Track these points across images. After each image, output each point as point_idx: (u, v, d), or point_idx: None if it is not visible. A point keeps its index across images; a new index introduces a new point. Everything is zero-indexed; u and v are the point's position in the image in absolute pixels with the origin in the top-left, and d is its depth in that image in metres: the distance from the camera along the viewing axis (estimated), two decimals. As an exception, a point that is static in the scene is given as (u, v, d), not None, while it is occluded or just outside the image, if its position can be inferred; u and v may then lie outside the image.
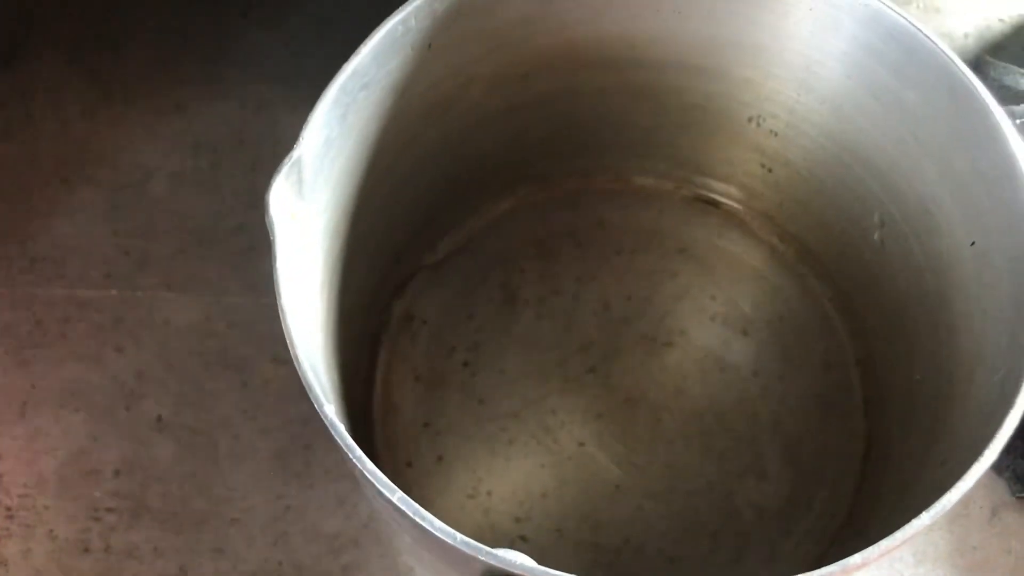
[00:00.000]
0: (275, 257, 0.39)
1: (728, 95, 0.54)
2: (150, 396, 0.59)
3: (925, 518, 0.35)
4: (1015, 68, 0.62)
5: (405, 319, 0.58)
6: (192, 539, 0.55)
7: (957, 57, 0.43)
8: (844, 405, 0.56)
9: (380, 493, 0.35)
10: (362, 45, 0.43)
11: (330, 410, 0.37)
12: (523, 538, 0.53)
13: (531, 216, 0.61)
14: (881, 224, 0.52)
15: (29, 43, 0.70)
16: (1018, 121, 0.55)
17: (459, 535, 0.34)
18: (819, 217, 0.57)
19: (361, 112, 0.46)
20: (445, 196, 0.57)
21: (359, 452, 0.36)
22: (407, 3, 0.45)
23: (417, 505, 0.35)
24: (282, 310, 0.39)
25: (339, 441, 0.36)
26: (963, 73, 0.43)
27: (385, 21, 0.44)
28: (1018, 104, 0.57)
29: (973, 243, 0.45)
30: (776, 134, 0.55)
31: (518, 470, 0.55)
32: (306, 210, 0.43)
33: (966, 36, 0.69)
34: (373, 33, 0.44)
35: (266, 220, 0.39)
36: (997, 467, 0.55)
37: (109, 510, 0.56)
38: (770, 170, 0.58)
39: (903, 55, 0.45)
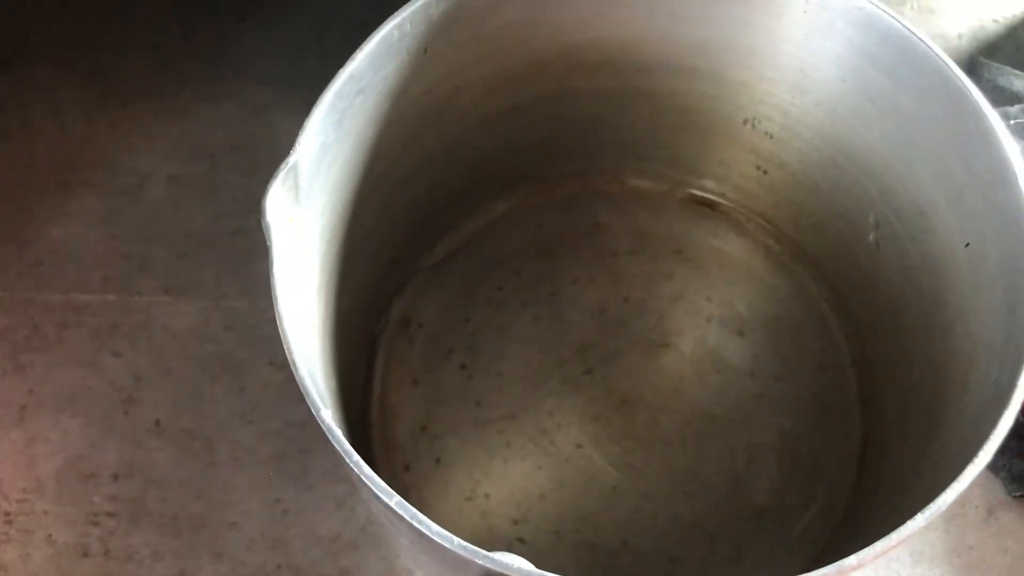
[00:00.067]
0: (272, 262, 0.39)
1: (723, 97, 0.54)
2: (148, 400, 0.59)
3: (920, 519, 0.35)
4: (1009, 69, 0.63)
5: (402, 322, 0.58)
6: (191, 543, 0.55)
7: (951, 60, 0.44)
8: (840, 405, 0.56)
9: (377, 497, 0.35)
10: (358, 50, 0.44)
11: (327, 415, 0.37)
12: (521, 540, 0.53)
13: (528, 219, 0.61)
14: (876, 225, 0.52)
15: (27, 47, 0.70)
16: (1012, 122, 0.55)
17: (456, 539, 0.34)
18: (814, 218, 0.57)
19: (357, 117, 0.46)
20: (442, 199, 0.58)
21: (356, 457, 0.36)
22: (402, 8, 0.45)
23: (414, 509, 0.35)
24: (279, 315, 0.39)
25: (336, 446, 0.36)
26: (957, 76, 0.43)
27: (380, 26, 0.44)
28: (1012, 105, 0.58)
29: (968, 245, 0.45)
30: (771, 136, 0.55)
31: (516, 472, 0.55)
32: (303, 215, 0.43)
33: (960, 37, 0.69)
34: (368, 38, 0.44)
35: (263, 225, 0.39)
36: (993, 467, 0.55)
37: (108, 514, 0.56)
38: (765, 172, 0.58)
39: (897, 58, 0.45)
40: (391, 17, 0.45)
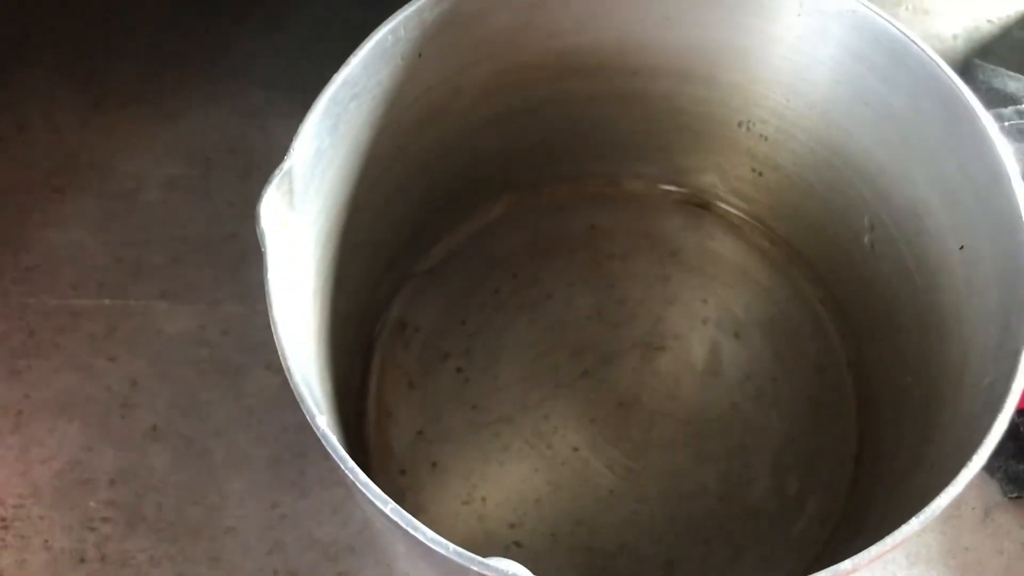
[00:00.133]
0: (266, 268, 0.39)
1: (718, 100, 0.54)
2: (144, 405, 0.59)
3: (915, 523, 0.35)
4: (1003, 71, 0.63)
5: (398, 326, 0.58)
6: (187, 548, 0.55)
7: (944, 62, 0.44)
8: (837, 407, 0.56)
9: (373, 504, 0.35)
10: (352, 56, 0.44)
11: (322, 421, 0.37)
12: (518, 544, 0.54)
13: (523, 222, 0.61)
14: (871, 227, 0.52)
15: (22, 50, 0.70)
16: (1007, 123, 0.55)
17: (452, 545, 0.34)
18: (809, 220, 0.57)
19: (352, 122, 0.46)
20: (437, 203, 0.58)
21: (352, 464, 0.36)
22: (396, 13, 0.45)
23: (410, 516, 0.35)
24: (274, 322, 0.39)
25: (332, 453, 0.36)
26: (951, 79, 0.43)
27: (374, 31, 0.44)
28: (1006, 107, 0.58)
29: (962, 247, 0.45)
30: (766, 138, 0.55)
31: (512, 476, 0.55)
32: (297, 220, 0.43)
33: (955, 37, 0.69)
34: (363, 43, 0.44)
35: (257, 232, 0.39)
36: (989, 468, 0.55)
37: (104, 520, 0.56)
38: (760, 174, 0.58)
39: (891, 61, 0.46)
40: (385, 22, 0.45)
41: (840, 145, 0.52)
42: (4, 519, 0.56)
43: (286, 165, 0.41)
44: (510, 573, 0.34)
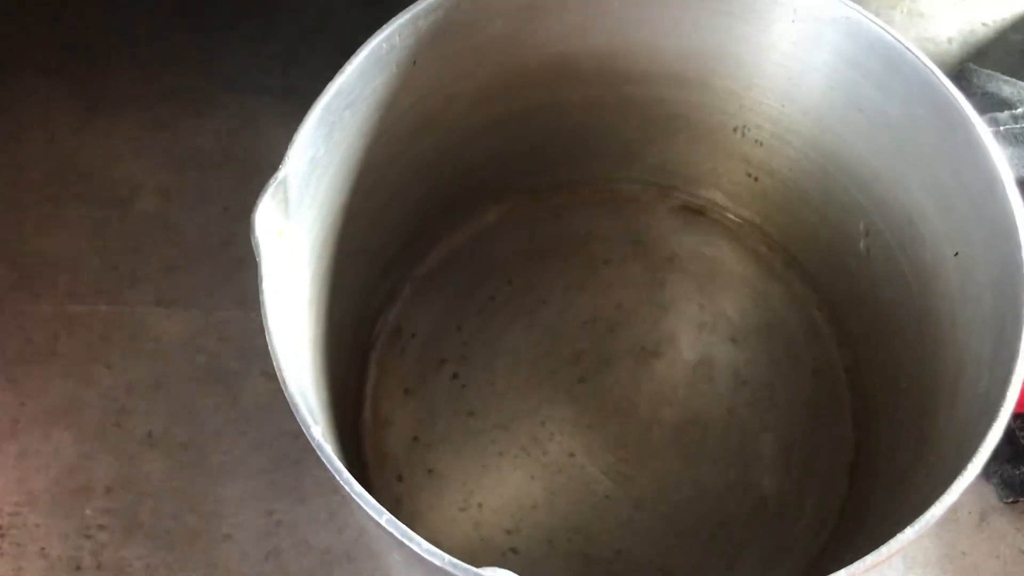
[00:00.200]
0: (261, 278, 0.39)
1: (713, 106, 0.54)
2: (140, 412, 0.59)
3: (910, 532, 0.35)
4: (998, 75, 0.63)
5: (394, 332, 0.58)
6: (184, 555, 0.55)
7: (938, 69, 0.44)
8: (832, 412, 0.56)
9: (368, 515, 0.35)
10: (346, 64, 0.44)
11: (317, 432, 0.37)
12: (514, 550, 0.53)
13: (518, 228, 0.61)
14: (866, 233, 0.52)
15: (15, 59, 0.70)
16: (1002, 128, 0.55)
17: (447, 556, 0.34)
18: (805, 226, 0.57)
19: (347, 130, 0.46)
20: (432, 209, 0.58)
21: (347, 475, 0.36)
22: (391, 21, 0.45)
23: (404, 527, 0.35)
24: (268, 332, 0.39)
25: (327, 464, 0.36)
26: (944, 85, 0.43)
27: (369, 40, 0.44)
28: (1001, 111, 0.58)
29: (957, 254, 0.45)
30: (761, 144, 0.55)
31: (508, 482, 0.55)
32: (293, 229, 0.43)
33: (950, 41, 0.70)
34: (357, 52, 0.44)
35: (252, 241, 0.39)
36: (985, 473, 0.55)
37: (101, 527, 0.56)
38: (756, 179, 0.58)
39: (885, 68, 0.46)
40: (380, 30, 0.45)
41: (835, 151, 0.52)
42: (1, 527, 0.56)
43: (281, 174, 0.41)
44: (505, 583, 0.34)
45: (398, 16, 0.45)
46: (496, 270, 0.60)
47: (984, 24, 0.70)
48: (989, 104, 0.61)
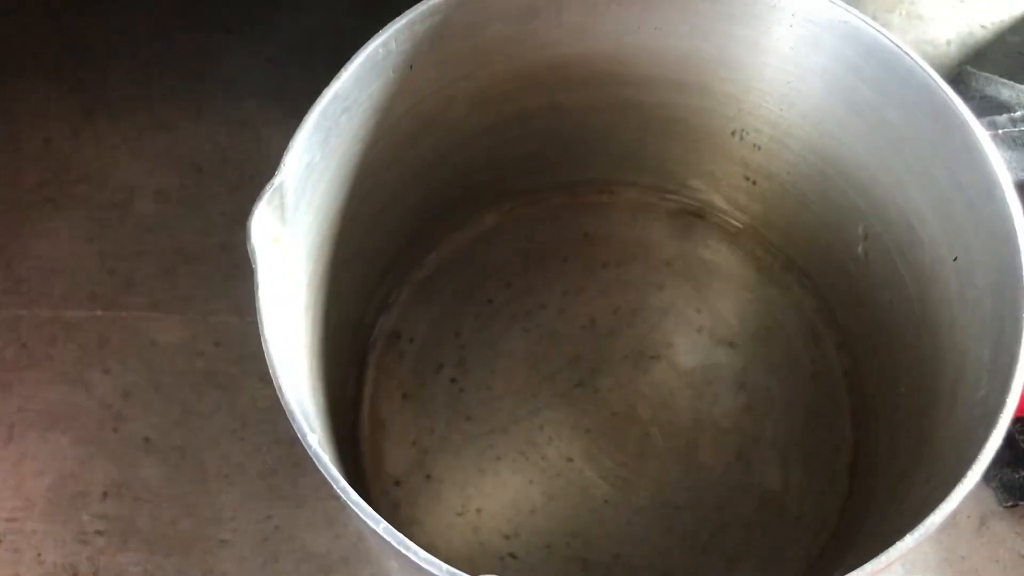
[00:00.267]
0: (257, 285, 0.39)
1: (711, 109, 0.54)
2: (137, 417, 0.59)
3: (910, 540, 0.35)
4: (996, 78, 0.63)
5: (392, 337, 0.58)
6: (182, 561, 0.55)
7: (937, 73, 0.43)
8: (831, 417, 0.56)
9: (365, 523, 0.35)
10: (343, 69, 0.43)
11: (314, 440, 0.37)
12: (513, 555, 0.53)
13: (516, 231, 0.61)
14: (865, 237, 0.52)
15: (12, 62, 0.69)
16: (1001, 131, 0.55)
17: (444, 565, 0.34)
18: (804, 229, 0.57)
19: (343, 135, 0.45)
20: (430, 213, 0.57)
21: (344, 483, 0.36)
22: (388, 26, 0.45)
23: (401, 535, 0.35)
24: (264, 339, 0.39)
25: (324, 472, 0.36)
26: (943, 90, 0.43)
27: (366, 44, 0.44)
28: (1000, 115, 0.58)
29: (955, 259, 0.45)
30: (759, 148, 0.55)
31: (507, 487, 0.55)
32: (289, 235, 0.43)
33: (948, 43, 0.69)
34: (354, 57, 0.44)
35: (248, 248, 0.39)
36: (985, 477, 0.54)
37: (98, 533, 0.56)
38: (754, 183, 0.58)
39: (883, 72, 0.45)
40: (376, 35, 0.44)
41: (833, 155, 0.51)
42: (-3, 533, 0.56)
43: (277, 180, 0.41)
44: (503, 592, 0.34)
45: (395, 21, 0.45)
46: (494, 273, 0.60)
47: (983, 26, 0.70)
48: (988, 107, 0.60)
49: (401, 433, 0.56)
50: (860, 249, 0.53)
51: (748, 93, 0.52)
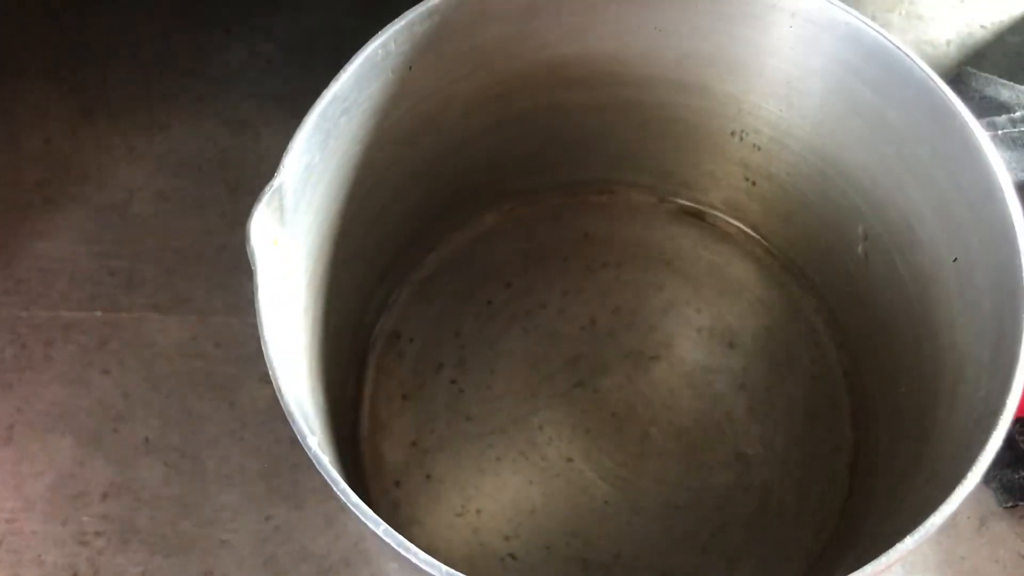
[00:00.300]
0: (256, 288, 0.39)
1: (711, 110, 0.54)
2: (137, 418, 0.59)
3: (910, 542, 0.35)
4: (996, 79, 0.63)
5: (391, 337, 0.58)
6: (181, 562, 0.55)
7: (935, 74, 0.43)
8: (831, 417, 0.56)
9: (365, 525, 0.35)
10: (342, 70, 0.43)
11: (314, 442, 0.37)
12: (512, 556, 0.53)
13: (516, 231, 0.61)
14: (864, 237, 0.52)
15: (10, 62, 0.69)
16: (1000, 132, 0.55)
17: (444, 567, 0.34)
18: (803, 230, 0.57)
19: (342, 137, 0.45)
20: (430, 213, 0.57)
21: (343, 485, 0.36)
22: (387, 27, 0.45)
23: (401, 537, 0.35)
24: (264, 341, 0.39)
25: (324, 474, 0.36)
26: (943, 91, 0.43)
27: (365, 46, 0.44)
28: (999, 115, 0.58)
29: (955, 259, 0.45)
30: (759, 148, 0.55)
31: (506, 487, 0.55)
32: (288, 236, 0.43)
33: (948, 43, 0.69)
34: (353, 58, 0.44)
35: (247, 250, 0.39)
36: (984, 478, 0.54)
37: (97, 534, 0.56)
38: (754, 183, 0.58)
39: (883, 73, 0.45)
40: (375, 36, 0.44)
41: (833, 155, 0.51)
42: (-4, 534, 0.56)
43: (276, 181, 0.41)
44: (503, 594, 0.34)
45: (394, 22, 0.45)
46: (494, 274, 0.60)
47: (982, 27, 0.70)
48: (987, 108, 0.60)
49: (401, 433, 0.56)
50: (860, 249, 0.53)
51: (748, 94, 0.52)
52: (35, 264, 0.63)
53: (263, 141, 0.66)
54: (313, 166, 0.44)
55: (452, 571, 0.34)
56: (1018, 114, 0.58)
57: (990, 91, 0.62)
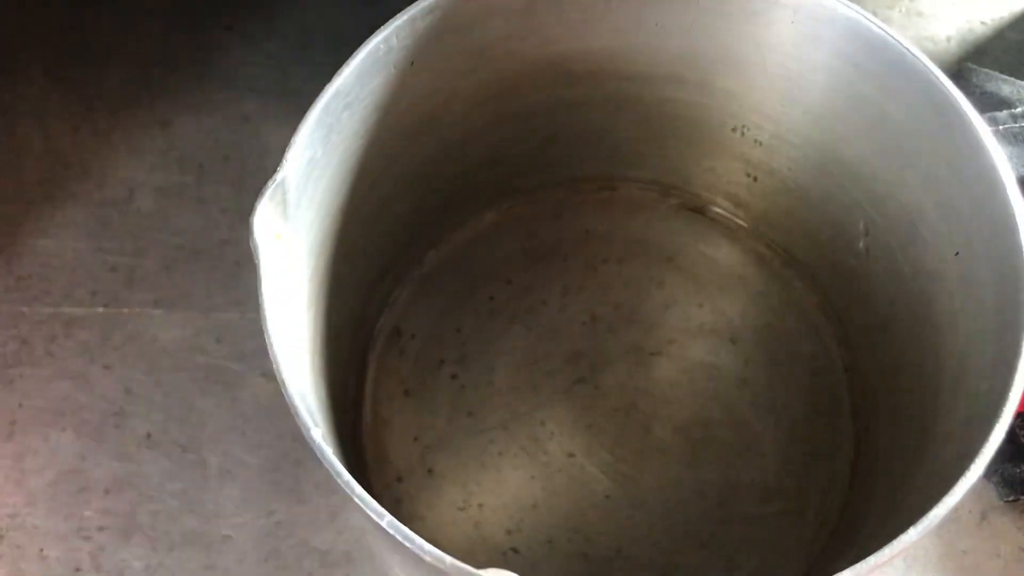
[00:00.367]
0: (260, 281, 0.39)
1: (712, 106, 0.54)
2: (139, 413, 0.59)
3: (913, 533, 0.35)
4: (996, 74, 0.63)
5: (393, 333, 0.58)
6: (183, 556, 0.55)
7: (938, 69, 0.44)
8: (832, 412, 0.56)
9: (369, 517, 0.35)
10: (344, 66, 0.43)
11: (317, 434, 0.37)
12: (515, 550, 0.53)
13: (517, 228, 0.61)
14: (866, 232, 0.52)
15: (12, 59, 0.69)
16: (1001, 127, 0.55)
17: (448, 558, 0.34)
18: (805, 225, 0.57)
19: (345, 131, 0.45)
20: (431, 210, 0.57)
21: (348, 477, 0.36)
22: (389, 22, 0.45)
23: (406, 529, 0.35)
24: (268, 334, 0.39)
25: (327, 466, 0.36)
26: (945, 86, 0.43)
27: (367, 41, 0.44)
28: (1000, 110, 0.58)
29: (957, 253, 0.45)
30: (760, 144, 0.55)
31: (508, 482, 0.55)
32: (291, 231, 0.43)
33: (948, 39, 0.69)
34: (355, 53, 0.44)
35: (251, 244, 0.39)
36: (986, 472, 0.55)
37: (100, 529, 0.56)
38: (755, 179, 0.58)
39: (885, 68, 0.45)
40: (377, 31, 0.45)
41: (834, 150, 0.52)
42: (-1, 529, 0.56)
43: (279, 176, 0.41)
44: (507, 585, 0.34)
45: (396, 17, 0.45)
46: (495, 270, 0.60)
47: (983, 23, 0.70)
48: (988, 103, 0.60)
49: (403, 429, 0.56)
50: (861, 245, 0.53)
51: (749, 89, 0.52)
52: (36, 260, 0.63)
53: (264, 137, 0.66)
54: (316, 161, 0.44)
55: (457, 562, 0.34)
56: (1019, 109, 0.59)
57: (991, 87, 0.62)
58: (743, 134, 0.55)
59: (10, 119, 0.67)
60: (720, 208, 0.61)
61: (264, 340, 0.39)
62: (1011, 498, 0.55)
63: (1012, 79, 0.63)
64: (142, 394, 0.59)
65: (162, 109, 0.67)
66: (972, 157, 0.43)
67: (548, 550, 0.53)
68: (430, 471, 0.55)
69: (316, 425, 0.37)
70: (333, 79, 0.43)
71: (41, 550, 0.55)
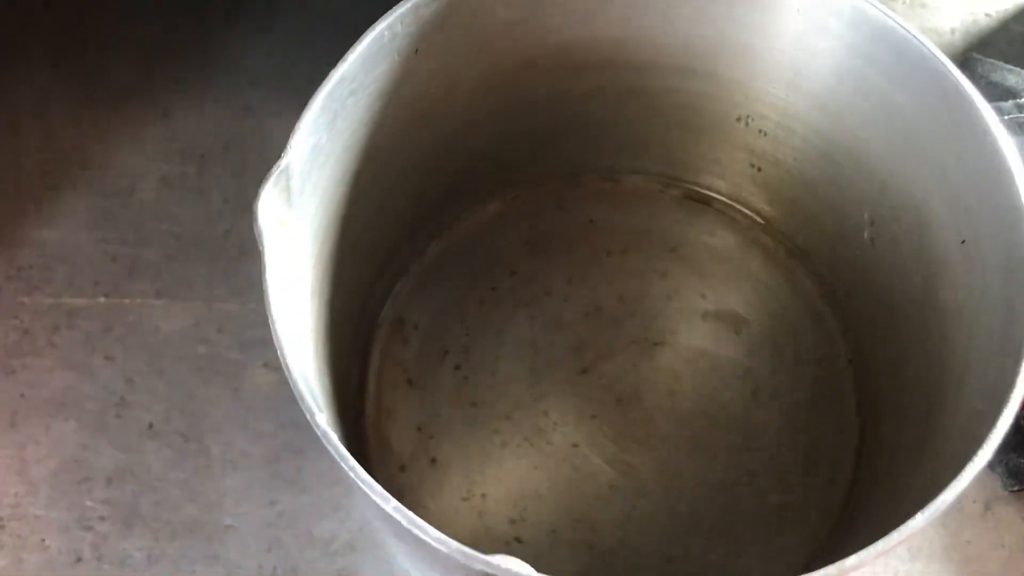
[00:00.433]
0: (264, 267, 0.39)
1: (717, 95, 0.54)
2: (141, 403, 0.58)
3: (920, 519, 0.35)
4: (1002, 64, 0.63)
5: (396, 323, 0.58)
6: (185, 546, 0.55)
7: (946, 57, 0.43)
8: (837, 402, 0.56)
9: (374, 502, 0.35)
10: (349, 52, 0.43)
11: (322, 419, 0.37)
12: (518, 540, 0.53)
13: (521, 218, 0.61)
14: (871, 222, 0.52)
15: (13, 49, 0.69)
16: (1006, 117, 0.55)
17: (454, 543, 0.34)
18: (809, 215, 0.57)
19: (349, 118, 0.45)
20: (435, 199, 0.57)
21: (352, 462, 0.36)
22: (393, 9, 0.45)
23: (412, 514, 0.35)
24: (272, 320, 0.38)
25: (332, 451, 0.36)
26: (952, 73, 0.43)
27: (371, 27, 0.44)
28: (1006, 100, 0.58)
29: (963, 242, 0.45)
30: (765, 133, 0.55)
31: (512, 472, 0.55)
32: (295, 217, 0.42)
33: (953, 31, 0.69)
34: (360, 39, 0.44)
35: (255, 230, 0.39)
36: (990, 462, 0.55)
37: (101, 519, 0.56)
38: (760, 169, 0.58)
39: (891, 56, 0.45)
40: (382, 18, 0.44)
41: (840, 140, 0.51)
42: (0, 519, 0.56)
43: (283, 162, 0.41)
44: (514, 571, 0.34)
45: (400, 4, 0.45)
46: (499, 260, 0.60)
47: (987, 14, 0.70)
48: (993, 93, 0.60)
49: (406, 419, 0.56)
50: (866, 234, 0.53)
51: (755, 79, 0.52)
52: (38, 251, 0.63)
53: (266, 126, 0.66)
54: (320, 147, 0.44)
55: (462, 546, 0.34)
56: (1024, 99, 0.59)
57: (996, 76, 0.62)
58: (748, 124, 0.55)
59: (11, 110, 0.67)
60: (724, 198, 0.61)
61: (266, 330, 0.39)
62: (1015, 488, 0.55)
63: (1018, 69, 0.63)
64: (144, 384, 0.59)
65: (163, 99, 0.67)
66: (979, 145, 0.43)
67: (552, 540, 0.53)
68: (433, 461, 0.55)
69: (320, 411, 0.37)
70: (338, 65, 0.43)
71: (43, 540, 0.55)
